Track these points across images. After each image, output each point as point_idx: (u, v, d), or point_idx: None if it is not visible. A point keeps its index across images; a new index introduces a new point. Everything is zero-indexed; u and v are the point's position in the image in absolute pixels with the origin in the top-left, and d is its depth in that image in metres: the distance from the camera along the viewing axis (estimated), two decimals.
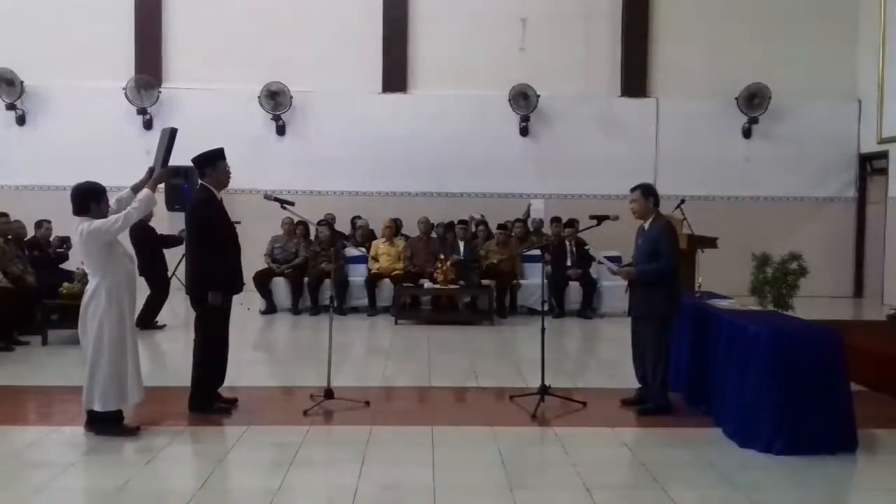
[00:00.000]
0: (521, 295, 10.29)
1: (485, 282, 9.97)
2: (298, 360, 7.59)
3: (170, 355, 7.85)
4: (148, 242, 8.73)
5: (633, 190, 5.61)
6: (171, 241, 9.21)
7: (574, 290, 10.25)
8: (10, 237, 8.47)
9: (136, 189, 5.06)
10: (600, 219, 5.75)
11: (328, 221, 10.56)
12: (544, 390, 5.61)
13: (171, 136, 5.11)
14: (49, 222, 9.34)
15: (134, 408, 5.09)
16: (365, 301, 10.33)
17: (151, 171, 5.13)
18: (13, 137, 12.34)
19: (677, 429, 5.15)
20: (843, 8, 12.73)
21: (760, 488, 4.11)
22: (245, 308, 9.52)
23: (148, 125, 12.30)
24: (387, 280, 10.24)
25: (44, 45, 12.18)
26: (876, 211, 12.50)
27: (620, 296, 8.92)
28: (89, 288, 4.84)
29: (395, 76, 12.57)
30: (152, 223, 8.56)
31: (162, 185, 5.61)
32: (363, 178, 12.45)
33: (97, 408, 4.80)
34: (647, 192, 5.54)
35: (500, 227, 10.72)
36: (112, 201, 4.97)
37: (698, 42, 12.59)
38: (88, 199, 4.82)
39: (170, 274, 9.46)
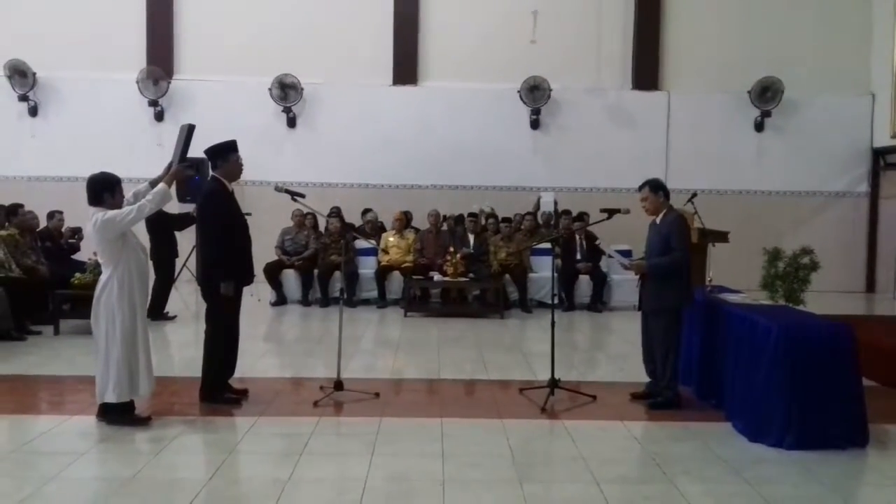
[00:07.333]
0: (530, 288, 10.27)
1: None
2: (308, 351, 7.61)
3: (181, 346, 7.88)
4: (163, 225, 8.72)
5: (640, 188, 5.56)
6: (187, 220, 8.94)
7: (584, 283, 10.22)
8: (23, 228, 8.53)
9: (154, 184, 5.06)
10: (611, 212, 5.72)
11: (338, 213, 10.58)
12: (554, 383, 5.61)
13: (188, 132, 5.12)
14: (61, 213, 9.39)
15: (146, 398, 5.12)
16: (375, 293, 10.35)
17: (170, 166, 5.14)
18: (25, 128, 12.41)
19: (687, 423, 5.14)
20: (857, 1, 12.62)
21: (770, 483, 4.10)
22: (255, 299, 9.54)
23: (159, 117, 12.36)
24: (396, 272, 10.25)
25: (56, 37, 12.24)
26: (889, 206, 12.42)
27: (630, 289, 8.90)
28: (102, 279, 4.87)
29: (406, 69, 12.56)
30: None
31: None
32: (373, 170, 12.47)
33: (110, 399, 4.83)
34: (655, 188, 5.49)
35: (504, 220, 10.71)
36: (129, 194, 4.98)
37: (710, 35, 12.54)
38: (103, 189, 4.83)
39: (180, 265, 9.46)
